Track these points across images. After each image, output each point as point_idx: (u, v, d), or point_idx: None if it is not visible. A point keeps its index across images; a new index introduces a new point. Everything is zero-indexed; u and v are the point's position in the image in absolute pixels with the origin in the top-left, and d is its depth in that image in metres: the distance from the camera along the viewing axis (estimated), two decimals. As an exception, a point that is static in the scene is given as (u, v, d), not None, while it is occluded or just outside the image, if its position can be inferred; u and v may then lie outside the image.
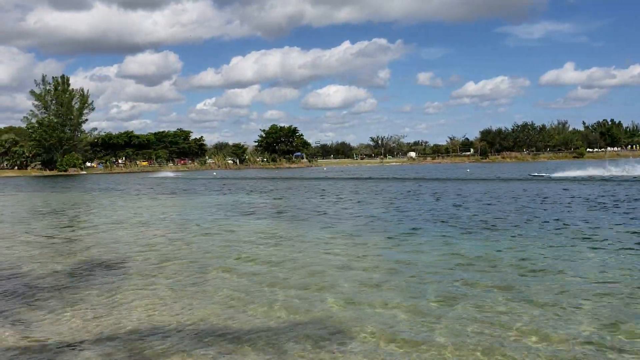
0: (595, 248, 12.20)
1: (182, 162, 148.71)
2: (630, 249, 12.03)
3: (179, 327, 7.31)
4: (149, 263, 11.96)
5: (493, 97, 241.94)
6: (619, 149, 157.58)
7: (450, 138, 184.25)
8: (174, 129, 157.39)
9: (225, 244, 14.33)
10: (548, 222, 17.03)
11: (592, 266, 10.32)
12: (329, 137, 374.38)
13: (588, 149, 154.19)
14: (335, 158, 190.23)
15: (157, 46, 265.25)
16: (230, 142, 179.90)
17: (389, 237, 14.63)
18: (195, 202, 31.34)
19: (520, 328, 6.75)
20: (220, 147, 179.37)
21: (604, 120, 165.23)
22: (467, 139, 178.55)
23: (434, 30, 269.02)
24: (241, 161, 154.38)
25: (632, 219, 17.34)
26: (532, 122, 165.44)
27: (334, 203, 27.39)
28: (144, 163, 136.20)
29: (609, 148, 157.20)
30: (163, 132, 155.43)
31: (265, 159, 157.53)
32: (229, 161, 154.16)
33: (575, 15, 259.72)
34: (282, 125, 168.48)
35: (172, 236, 16.42)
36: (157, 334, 6.99)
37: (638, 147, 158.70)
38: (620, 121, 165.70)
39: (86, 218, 23.28)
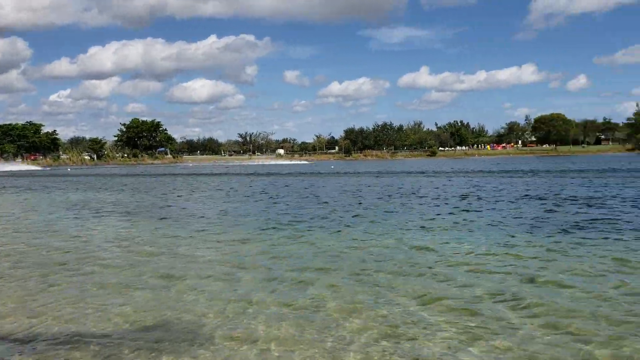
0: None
1: (32, 157, 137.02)
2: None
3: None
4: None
5: (356, 97, 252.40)
6: (467, 148, 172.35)
7: (316, 136, 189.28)
8: (23, 122, 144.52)
9: (69, 244, 13.32)
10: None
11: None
12: (196, 133, 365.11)
13: (440, 148, 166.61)
14: (202, 154, 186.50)
15: (1, 31, 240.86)
16: (88, 137, 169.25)
17: (243, 233, 14.54)
18: (40, 200, 28.92)
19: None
20: (76, 142, 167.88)
21: (454, 121, 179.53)
22: (332, 137, 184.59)
23: (300, 30, 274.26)
24: (99, 157, 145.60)
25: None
26: (391, 122, 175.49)
27: (185, 199, 26.76)
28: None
29: (458, 147, 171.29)
30: (10, 124, 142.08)
31: (125, 155, 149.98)
32: (86, 157, 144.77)
33: (430, 23, 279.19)
34: (144, 119, 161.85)
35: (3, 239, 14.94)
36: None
37: (482, 147, 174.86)
38: (468, 122, 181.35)
39: None
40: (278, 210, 21.10)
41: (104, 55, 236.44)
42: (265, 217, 18.76)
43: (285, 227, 15.81)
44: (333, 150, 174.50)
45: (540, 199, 23.14)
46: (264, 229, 15.52)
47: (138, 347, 6.31)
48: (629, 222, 15.18)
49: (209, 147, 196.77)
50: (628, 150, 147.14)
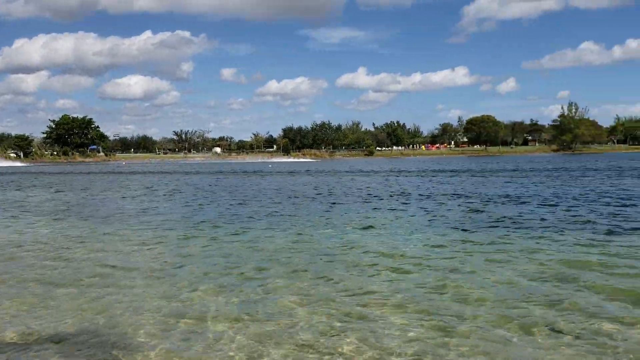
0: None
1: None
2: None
3: None
4: None
5: (295, 96, 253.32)
6: (403, 148, 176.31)
7: (254, 134, 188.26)
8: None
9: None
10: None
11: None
12: (130, 130, 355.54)
13: (378, 148, 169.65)
14: (136, 152, 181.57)
15: None
16: (14, 133, 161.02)
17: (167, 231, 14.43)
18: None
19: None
20: (1, 139, 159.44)
21: (391, 122, 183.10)
22: (271, 135, 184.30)
23: (238, 28, 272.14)
24: (26, 154, 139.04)
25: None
26: (329, 121, 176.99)
27: (113, 200, 26.16)
28: None
29: (394, 147, 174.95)
30: None
31: (55, 153, 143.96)
32: (11, 154, 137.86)
33: (367, 24, 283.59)
34: (75, 115, 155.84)
35: None
36: None
37: (418, 147, 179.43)
38: (404, 123, 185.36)
39: None
40: (206, 210, 21.00)
41: (31, 48, 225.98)
42: (188, 216, 18.64)
43: (208, 228, 15.79)
44: (271, 149, 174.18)
45: (465, 197, 24.13)
46: (189, 228, 15.46)
47: (59, 351, 6.19)
48: (543, 219, 16.12)
49: (143, 145, 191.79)
50: (553, 150, 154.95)
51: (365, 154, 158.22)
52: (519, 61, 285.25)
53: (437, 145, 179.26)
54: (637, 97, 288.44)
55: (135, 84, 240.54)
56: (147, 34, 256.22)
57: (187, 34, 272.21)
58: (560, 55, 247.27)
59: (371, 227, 14.98)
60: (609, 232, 13.04)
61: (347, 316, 7.07)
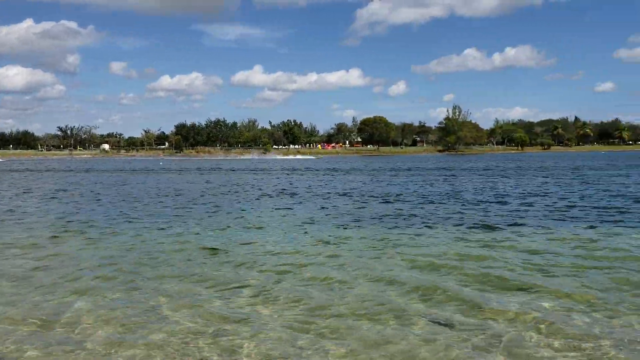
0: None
1: None
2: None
3: None
4: None
5: (189, 92, 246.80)
6: (300, 146, 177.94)
7: (145, 131, 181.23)
8: None
9: None
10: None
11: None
12: (9, 125, 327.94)
13: (274, 146, 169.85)
14: (15, 149, 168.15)
15: None
16: None
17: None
18: None
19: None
20: None
21: (287, 120, 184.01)
22: (163, 132, 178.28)
23: (128, 20, 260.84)
24: None
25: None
26: (224, 119, 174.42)
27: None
28: None
29: (291, 146, 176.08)
30: None
31: None
32: None
33: (263, 22, 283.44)
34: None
35: None
36: None
37: (314, 146, 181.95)
38: (301, 122, 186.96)
39: None
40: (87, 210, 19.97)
41: None
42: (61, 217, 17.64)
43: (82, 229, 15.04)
44: (163, 146, 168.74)
45: (349, 195, 24.85)
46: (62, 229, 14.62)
47: None
48: (422, 216, 16.99)
49: (24, 141, 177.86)
50: (439, 151, 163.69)
51: (262, 153, 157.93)
52: (409, 65, 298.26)
53: (333, 144, 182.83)
54: (514, 101, 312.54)
55: (15, 75, 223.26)
56: (29, 22, 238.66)
57: (73, 24, 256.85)
58: (446, 60, 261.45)
59: (253, 226, 15.01)
60: (476, 227, 14.03)
61: (212, 315, 7.05)
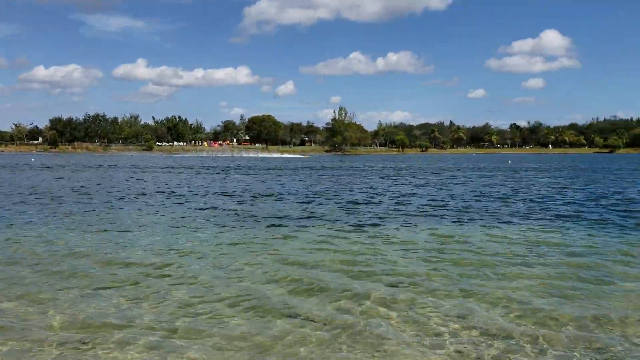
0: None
1: None
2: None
3: None
4: None
5: (66, 85, 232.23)
6: (185, 143, 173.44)
7: (15, 125, 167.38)
8: None
9: None
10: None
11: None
12: None
13: (158, 143, 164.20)
14: None
15: None
16: None
17: None
18: None
19: None
20: None
21: (172, 116, 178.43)
22: (36, 127, 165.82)
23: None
24: None
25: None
26: (104, 113, 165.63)
27: None
28: None
29: (175, 142, 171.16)
30: None
31: None
32: None
33: (148, 15, 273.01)
34: None
35: None
36: None
37: (200, 143, 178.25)
38: (186, 118, 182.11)
39: None
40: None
41: None
42: None
43: None
44: (36, 142, 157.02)
45: (230, 195, 24.93)
46: None
47: None
48: (288, 215, 17.51)
49: None
50: (326, 151, 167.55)
51: (144, 149, 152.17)
52: (297, 65, 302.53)
53: (220, 142, 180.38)
54: (396, 105, 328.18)
55: None
56: None
57: None
58: (333, 63, 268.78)
59: (126, 228, 14.69)
60: (357, 224, 14.80)
61: (100, 314, 6.96)
